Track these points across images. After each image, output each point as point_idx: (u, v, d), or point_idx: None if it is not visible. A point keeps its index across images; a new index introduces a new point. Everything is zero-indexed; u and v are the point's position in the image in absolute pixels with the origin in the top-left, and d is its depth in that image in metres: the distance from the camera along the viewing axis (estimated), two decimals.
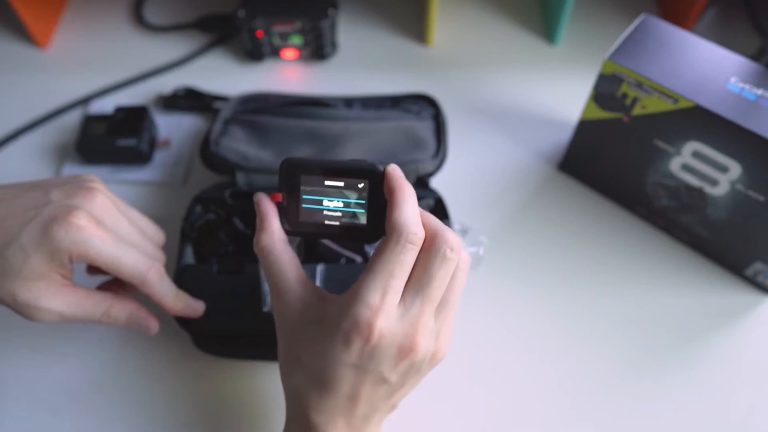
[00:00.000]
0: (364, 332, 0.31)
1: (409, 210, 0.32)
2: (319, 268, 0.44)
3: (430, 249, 0.32)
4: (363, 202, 0.35)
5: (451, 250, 0.32)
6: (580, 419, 0.45)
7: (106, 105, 0.61)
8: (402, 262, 0.31)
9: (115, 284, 0.41)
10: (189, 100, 0.61)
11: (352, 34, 0.68)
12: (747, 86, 0.44)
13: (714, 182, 0.47)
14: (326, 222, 0.35)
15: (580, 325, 0.49)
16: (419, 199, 0.49)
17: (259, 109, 0.55)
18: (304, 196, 0.35)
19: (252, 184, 0.50)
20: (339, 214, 0.35)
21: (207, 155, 0.51)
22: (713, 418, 0.45)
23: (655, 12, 0.69)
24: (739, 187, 0.45)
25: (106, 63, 0.65)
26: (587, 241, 0.53)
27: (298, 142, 0.52)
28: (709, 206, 0.49)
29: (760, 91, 0.43)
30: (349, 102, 0.56)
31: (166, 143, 0.59)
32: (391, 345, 0.31)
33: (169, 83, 0.63)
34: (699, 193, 0.48)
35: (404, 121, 0.54)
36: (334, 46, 0.65)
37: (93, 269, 0.42)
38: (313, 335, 0.33)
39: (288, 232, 0.36)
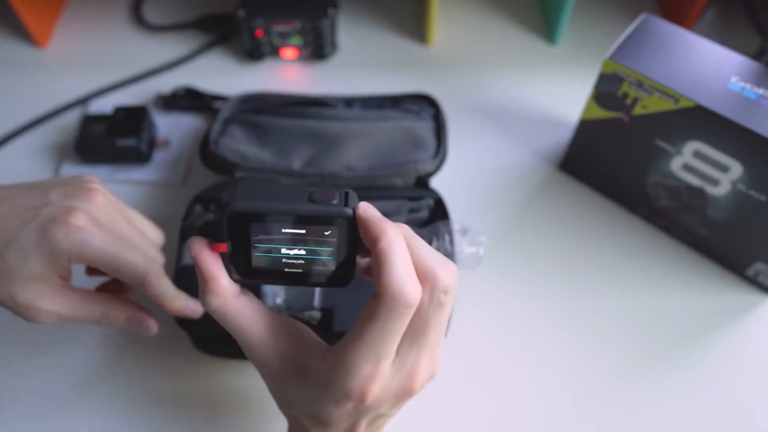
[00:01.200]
0: (356, 398, 0.29)
1: (401, 267, 0.27)
2: None
3: (424, 296, 0.28)
4: (331, 249, 0.30)
5: (446, 293, 0.29)
6: (580, 419, 0.45)
7: (105, 105, 0.61)
8: (398, 329, 0.28)
9: (114, 285, 0.41)
10: (188, 100, 0.61)
11: (352, 34, 0.68)
12: (748, 86, 0.44)
13: (715, 182, 0.47)
14: (286, 269, 0.30)
15: (581, 325, 0.49)
16: (419, 199, 0.49)
17: (259, 108, 0.55)
18: (256, 245, 0.29)
19: None
20: (301, 261, 0.30)
21: (207, 155, 0.51)
22: (714, 418, 0.45)
23: (655, 12, 0.69)
24: (740, 186, 0.45)
25: (105, 63, 0.65)
26: (587, 241, 0.53)
27: (298, 142, 0.52)
28: (709, 206, 0.49)
29: (760, 91, 0.43)
30: (349, 102, 0.56)
31: (166, 143, 0.59)
32: (388, 397, 0.30)
33: (168, 83, 0.63)
34: (700, 193, 0.48)
35: (404, 120, 0.53)
36: (334, 45, 0.65)
37: (92, 270, 0.42)
38: (300, 389, 0.31)
39: (238, 282, 0.31)
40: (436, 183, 0.55)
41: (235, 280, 0.31)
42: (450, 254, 0.45)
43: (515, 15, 0.70)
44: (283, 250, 0.30)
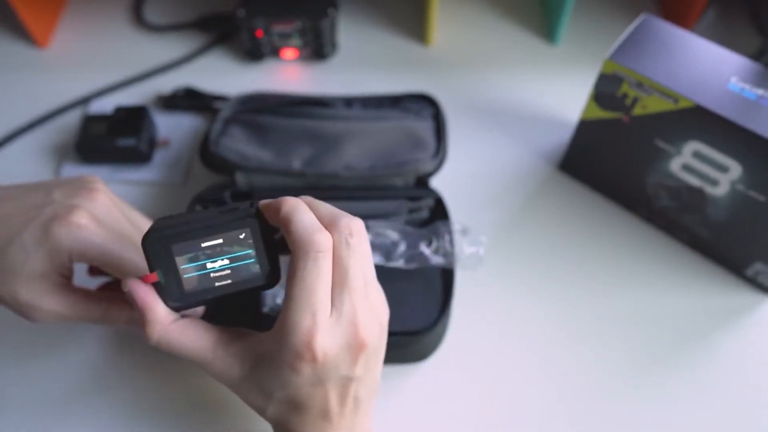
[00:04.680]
0: (308, 356, 0.30)
1: (304, 219, 0.30)
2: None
3: (334, 241, 0.31)
4: (250, 251, 0.31)
5: (351, 235, 0.31)
6: (580, 419, 0.45)
7: (105, 105, 0.61)
8: (319, 274, 0.30)
9: (116, 285, 0.41)
10: (189, 100, 0.61)
11: (352, 34, 0.68)
12: (747, 86, 0.44)
13: (714, 182, 0.47)
14: (216, 284, 0.32)
15: (580, 325, 0.49)
16: (419, 199, 0.49)
17: (259, 108, 0.55)
18: (183, 266, 0.31)
19: (252, 184, 0.50)
20: (228, 271, 0.32)
21: (207, 155, 0.51)
22: (714, 418, 0.45)
23: (655, 12, 0.69)
24: (740, 187, 0.45)
25: (105, 63, 0.65)
26: (587, 242, 0.53)
27: (298, 142, 0.52)
28: (709, 206, 0.49)
29: (760, 91, 0.43)
30: (348, 102, 0.56)
31: (166, 143, 0.59)
32: (340, 351, 0.31)
33: (168, 83, 0.63)
34: (699, 193, 0.48)
35: (404, 120, 0.54)
36: (334, 46, 0.65)
37: (94, 270, 0.42)
38: (264, 375, 0.32)
39: (176, 309, 0.32)
40: (436, 183, 0.55)
41: (173, 308, 0.32)
42: (450, 254, 0.45)
43: (515, 15, 0.70)
44: (209, 265, 0.31)
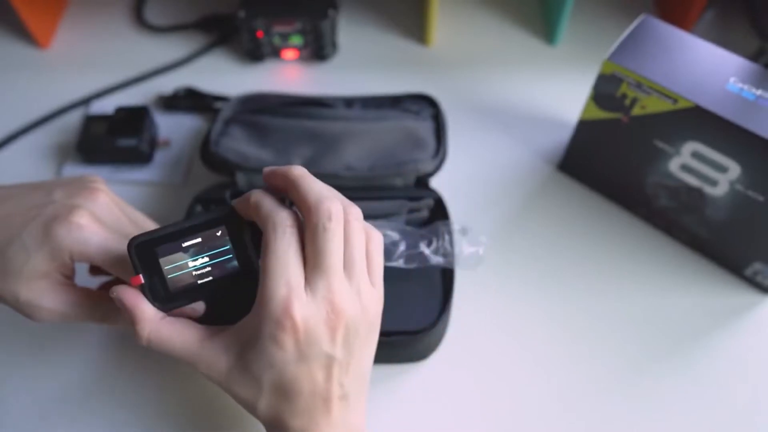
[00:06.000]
0: (288, 325, 0.31)
1: (267, 202, 0.33)
2: None
3: (310, 225, 0.32)
4: (228, 247, 0.34)
5: (329, 219, 0.32)
6: (580, 419, 0.45)
7: (106, 105, 0.61)
8: (288, 247, 0.31)
9: (117, 285, 0.41)
10: (189, 101, 0.61)
11: (352, 35, 0.68)
12: (746, 86, 0.44)
13: (713, 182, 0.47)
14: (199, 281, 0.34)
15: (580, 325, 0.49)
16: (419, 199, 0.49)
17: (260, 109, 0.55)
18: (167, 267, 0.33)
19: (252, 184, 0.50)
20: (209, 269, 0.34)
21: (207, 155, 0.52)
22: (713, 418, 0.45)
23: (654, 13, 0.69)
24: (739, 187, 0.45)
25: (106, 63, 0.65)
26: (587, 241, 0.53)
27: (298, 142, 0.52)
28: (708, 206, 0.49)
29: (759, 92, 0.44)
30: (349, 102, 0.56)
31: (167, 143, 0.59)
32: (318, 323, 0.31)
33: (169, 83, 0.63)
34: (698, 193, 0.48)
35: (404, 121, 0.54)
36: (334, 46, 0.65)
37: (95, 270, 0.42)
38: (250, 361, 0.32)
39: (163, 309, 0.34)
40: (436, 183, 0.55)
41: (160, 309, 0.34)
42: (450, 254, 0.45)
43: (515, 15, 0.70)
44: (190, 264, 0.34)
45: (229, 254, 0.34)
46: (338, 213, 0.32)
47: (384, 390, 0.46)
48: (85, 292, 0.38)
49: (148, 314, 0.33)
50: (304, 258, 0.32)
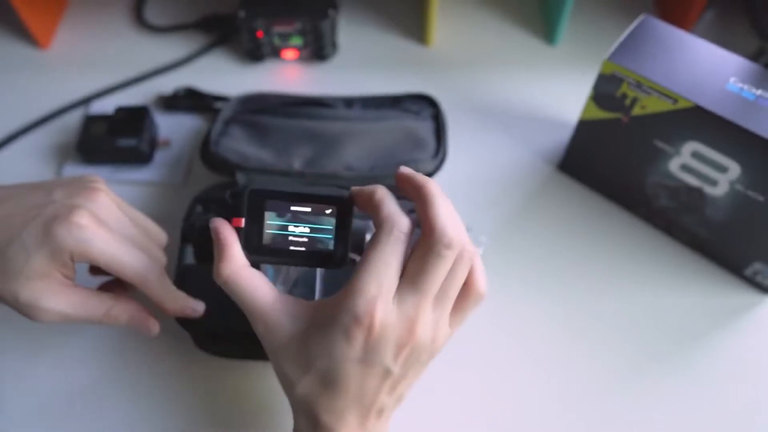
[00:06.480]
0: (365, 323, 0.31)
1: (393, 204, 0.33)
2: (319, 271, 0.44)
3: (426, 244, 0.32)
4: (330, 227, 0.35)
5: (447, 248, 0.31)
6: (580, 419, 0.45)
7: (106, 105, 0.61)
8: (395, 252, 0.32)
9: (117, 285, 0.41)
10: (189, 101, 0.61)
11: (352, 35, 0.68)
12: (746, 86, 0.44)
13: (713, 182, 0.47)
14: (291, 247, 0.35)
15: (580, 325, 0.49)
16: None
17: (260, 109, 0.55)
18: (269, 221, 0.34)
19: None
20: (305, 239, 0.35)
21: (207, 155, 0.52)
22: (713, 418, 0.45)
23: (654, 13, 0.69)
24: (739, 187, 0.45)
25: (106, 63, 0.65)
26: (587, 241, 0.53)
27: (299, 142, 0.52)
28: (708, 206, 0.49)
29: (759, 92, 0.44)
30: (349, 102, 0.56)
31: (167, 143, 0.59)
32: (392, 334, 0.32)
33: (169, 83, 0.63)
34: (698, 193, 0.48)
35: (404, 121, 0.54)
36: (334, 46, 0.65)
37: (95, 270, 0.42)
38: (312, 340, 0.32)
39: (250, 258, 0.35)
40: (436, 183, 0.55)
41: (247, 257, 0.34)
42: None
43: (515, 15, 0.70)
44: (290, 228, 0.34)
45: (329, 234, 0.35)
46: (458, 246, 0.32)
47: None
48: (86, 292, 0.38)
49: (235, 255, 0.34)
50: (403, 269, 0.32)
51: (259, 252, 0.35)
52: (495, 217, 0.55)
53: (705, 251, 0.53)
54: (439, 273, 0.32)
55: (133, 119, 0.57)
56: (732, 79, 0.44)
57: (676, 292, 0.51)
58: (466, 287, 0.35)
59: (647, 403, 0.46)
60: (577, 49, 0.66)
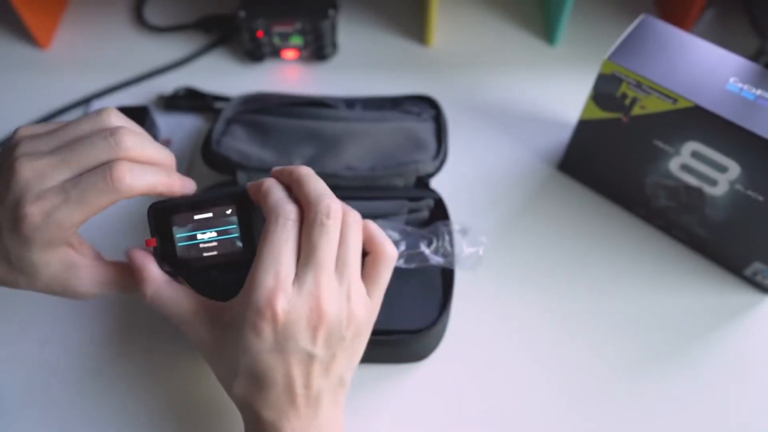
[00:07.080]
0: (268, 314, 0.31)
1: (277, 192, 0.34)
2: None
3: (308, 221, 0.33)
4: (234, 226, 0.36)
5: (327, 216, 0.32)
6: (580, 419, 0.45)
7: (106, 105, 0.61)
8: (285, 240, 0.32)
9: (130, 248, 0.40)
10: (190, 101, 0.61)
11: (352, 35, 0.68)
12: (746, 86, 0.44)
13: (713, 182, 0.47)
14: (205, 254, 0.36)
15: (580, 325, 0.49)
16: (419, 199, 0.49)
17: (261, 109, 0.55)
18: (177, 235, 0.36)
19: None
20: (215, 243, 0.36)
21: (209, 154, 0.52)
22: (713, 418, 0.45)
23: (654, 13, 0.69)
24: (738, 187, 0.46)
25: (107, 63, 0.65)
26: (587, 241, 0.53)
27: (299, 142, 0.52)
28: (708, 206, 0.49)
29: (758, 92, 0.44)
30: (350, 103, 0.56)
31: (167, 143, 0.59)
32: (299, 318, 0.32)
33: (169, 83, 0.63)
34: (698, 193, 0.49)
35: (405, 122, 0.54)
36: (334, 46, 0.65)
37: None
38: (229, 341, 0.33)
39: (169, 273, 0.36)
40: (437, 184, 0.55)
41: (166, 272, 0.36)
42: (450, 254, 0.45)
43: (515, 15, 0.70)
44: (198, 236, 0.36)
45: (235, 233, 0.36)
46: (337, 212, 0.33)
47: (384, 390, 0.46)
48: (111, 265, 0.37)
49: (154, 274, 0.35)
50: (299, 254, 0.33)
51: (176, 266, 0.36)
52: (495, 217, 0.55)
53: (705, 251, 0.53)
54: (328, 243, 0.32)
55: (134, 119, 0.56)
56: (732, 79, 0.44)
57: (676, 291, 0.51)
58: (373, 253, 0.35)
59: (647, 402, 0.46)
60: (577, 49, 0.66)
